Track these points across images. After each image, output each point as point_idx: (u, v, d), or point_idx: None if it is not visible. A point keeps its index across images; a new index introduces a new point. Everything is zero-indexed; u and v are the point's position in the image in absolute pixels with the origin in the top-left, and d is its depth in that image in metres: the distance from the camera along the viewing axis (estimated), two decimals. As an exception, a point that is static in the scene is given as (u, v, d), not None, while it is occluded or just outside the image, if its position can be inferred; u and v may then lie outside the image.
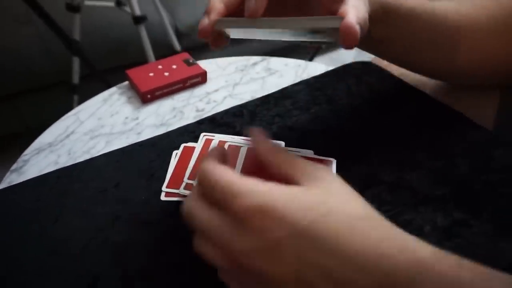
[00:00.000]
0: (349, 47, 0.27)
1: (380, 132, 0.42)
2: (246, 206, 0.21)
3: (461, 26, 0.39)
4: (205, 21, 0.28)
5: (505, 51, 0.40)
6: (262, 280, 0.21)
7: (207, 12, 0.29)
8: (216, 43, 0.31)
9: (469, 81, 0.45)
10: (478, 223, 0.32)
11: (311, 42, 0.29)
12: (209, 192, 0.23)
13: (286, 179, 0.24)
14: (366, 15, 0.29)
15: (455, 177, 0.36)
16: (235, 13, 0.29)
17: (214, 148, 0.27)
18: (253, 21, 0.28)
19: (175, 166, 0.38)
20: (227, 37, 0.31)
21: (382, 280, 0.19)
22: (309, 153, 0.38)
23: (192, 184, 0.35)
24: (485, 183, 0.35)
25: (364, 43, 0.36)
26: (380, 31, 0.36)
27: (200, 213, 0.23)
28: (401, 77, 0.49)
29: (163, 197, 0.35)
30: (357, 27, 0.26)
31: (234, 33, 0.31)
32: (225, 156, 0.27)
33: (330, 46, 1.73)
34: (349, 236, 0.20)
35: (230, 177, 0.23)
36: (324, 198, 0.22)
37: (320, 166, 0.25)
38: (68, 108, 1.32)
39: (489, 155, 0.38)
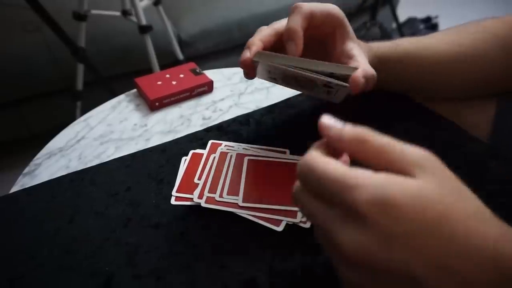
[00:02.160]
0: (354, 93, 0.34)
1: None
2: (365, 199, 0.20)
3: (457, 55, 0.44)
4: (246, 54, 0.35)
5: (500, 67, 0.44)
6: (373, 274, 0.21)
7: (248, 47, 0.36)
8: (249, 75, 0.38)
9: (469, 95, 0.48)
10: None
11: (324, 90, 0.35)
12: (315, 185, 0.23)
13: (395, 169, 0.22)
14: (374, 72, 0.36)
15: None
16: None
17: (318, 142, 0.26)
18: (288, 58, 0.35)
19: (184, 172, 0.39)
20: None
21: (499, 277, 0.20)
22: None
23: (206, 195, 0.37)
24: (482, 194, 0.37)
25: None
26: (379, 75, 0.41)
27: (307, 203, 0.23)
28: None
29: (173, 201, 0.36)
30: (362, 81, 0.34)
31: (260, 73, 0.38)
32: (329, 148, 0.25)
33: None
34: (465, 236, 0.20)
35: (340, 169, 0.22)
36: (440, 197, 0.21)
37: (427, 154, 0.23)
38: (72, 114, 1.34)
39: (485, 166, 0.40)
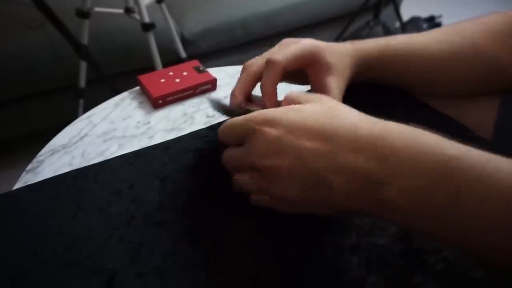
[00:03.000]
0: None
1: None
2: (256, 121, 0.29)
3: (441, 53, 0.44)
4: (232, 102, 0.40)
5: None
6: (278, 178, 0.28)
7: (232, 94, 0.40)
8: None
9: (463, 93, 0.47)
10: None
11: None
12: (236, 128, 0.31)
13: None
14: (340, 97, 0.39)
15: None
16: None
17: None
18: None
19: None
20: None
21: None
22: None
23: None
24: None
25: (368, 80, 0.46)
26: (365, 75, 0.45)
27: (229, 152, 0.32)
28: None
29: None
30: None
31: None
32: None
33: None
34: (340, 122, 0.28)
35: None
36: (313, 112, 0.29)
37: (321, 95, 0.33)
38: (74, 112, 1.34)
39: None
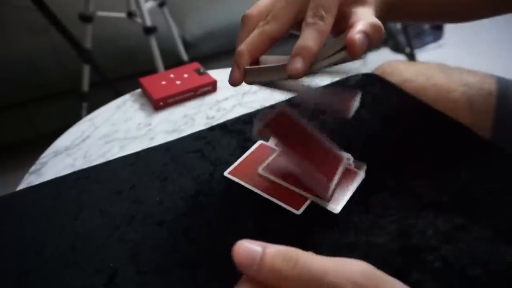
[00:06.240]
0: (356, 57, 0.28)
1: (384, 141, 0.44)
2: None
3: None
4: (236, 74, 0.32)
5: None
6: None
7: (236, 63, 0.32)
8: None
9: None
10: (478, 227, 0.33)
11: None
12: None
13: None
14: (374, 20, 0.29)
15: (456, 185, 0.37)
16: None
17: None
18: (277, 70, 0.30)
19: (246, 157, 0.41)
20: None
21: None
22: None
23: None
24: (484, 191, 0.37)
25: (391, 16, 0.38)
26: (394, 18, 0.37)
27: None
28: (405, 83, 0.51)
29: (226, 174, 0.39)
30: (358, 36, 0.27)
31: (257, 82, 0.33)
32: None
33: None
34: None
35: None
36: None
37: (360, 273, 0.21)
38: (77, 115, 1.35)
39: (488, 164, 0.40)
